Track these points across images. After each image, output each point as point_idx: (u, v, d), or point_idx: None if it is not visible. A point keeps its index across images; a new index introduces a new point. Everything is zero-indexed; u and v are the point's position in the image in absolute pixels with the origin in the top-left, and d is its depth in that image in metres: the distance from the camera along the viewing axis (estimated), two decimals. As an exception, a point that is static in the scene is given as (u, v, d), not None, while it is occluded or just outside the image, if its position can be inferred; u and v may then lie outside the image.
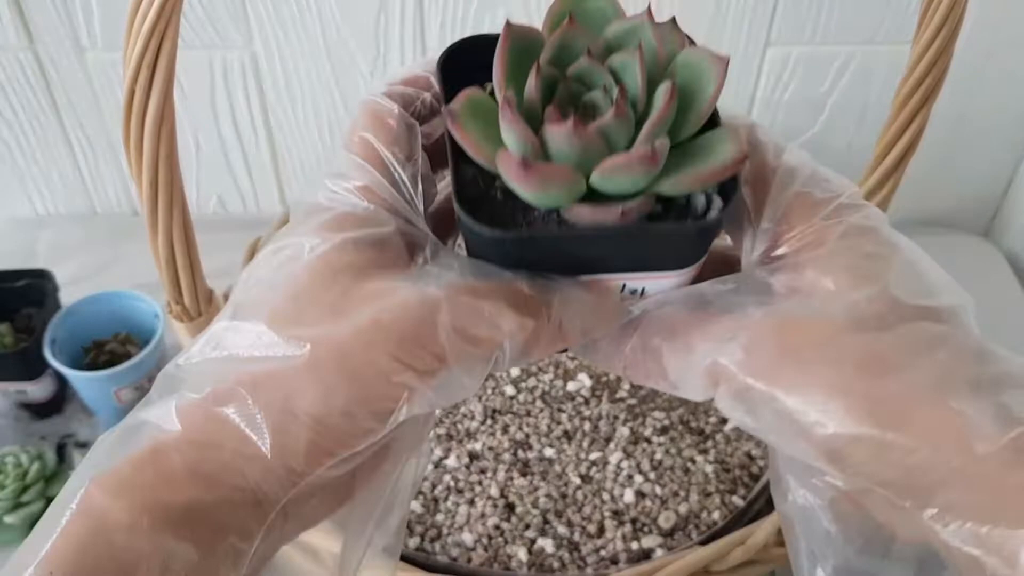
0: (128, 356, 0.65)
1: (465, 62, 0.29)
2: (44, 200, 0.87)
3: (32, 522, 0.60)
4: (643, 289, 0.29)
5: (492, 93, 0.28)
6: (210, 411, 0.25)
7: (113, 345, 0.67)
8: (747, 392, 0.26)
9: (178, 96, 0.39)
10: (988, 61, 0.75)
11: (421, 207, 0.28)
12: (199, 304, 0.46)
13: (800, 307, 0.26)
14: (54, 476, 0.62)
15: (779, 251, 0.27)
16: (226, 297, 0.57)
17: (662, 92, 0.26)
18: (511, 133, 0.26)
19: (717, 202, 0.27)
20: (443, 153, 0.28)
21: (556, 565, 0.51)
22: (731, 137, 0.27)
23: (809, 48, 0.75)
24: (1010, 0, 0.72)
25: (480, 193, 0.28)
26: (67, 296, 0.70)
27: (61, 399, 0.69)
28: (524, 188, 0.25)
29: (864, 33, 0.73)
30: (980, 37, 0.73)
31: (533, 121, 0.27)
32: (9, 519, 0.59)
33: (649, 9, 0.27)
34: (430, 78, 0.29)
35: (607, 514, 0.53)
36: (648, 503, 0.53)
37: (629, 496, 0.53)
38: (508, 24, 0.27)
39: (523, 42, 0.27)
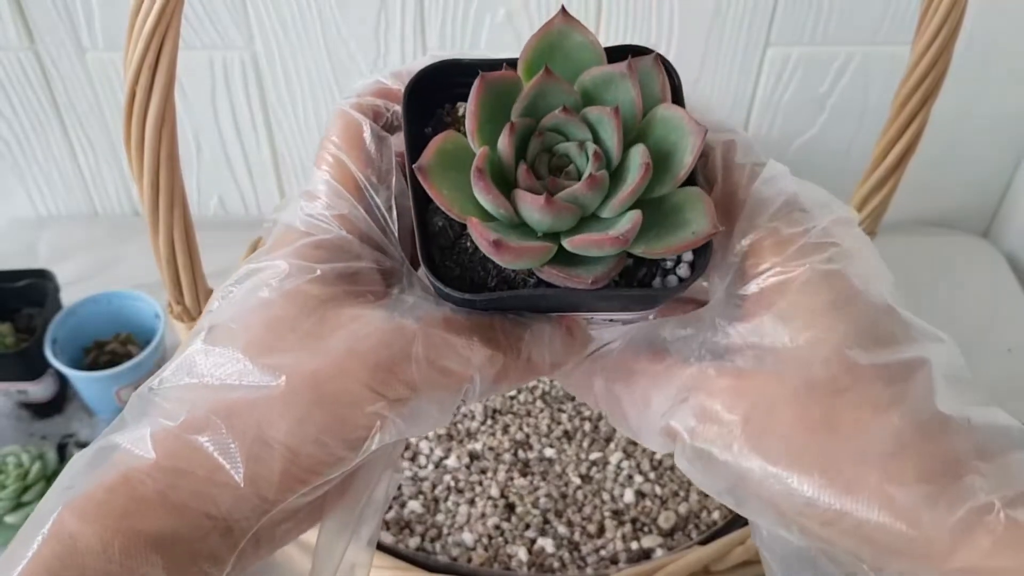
0: (129, 356, 0.65)
1: (434, 83, 0.29)
2: (45, 200, 0.87)
3: (33, 522, 0.60)
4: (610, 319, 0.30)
5: (462, 120, 0.28)
6: (184, 439, 0.25)
7: (114, 345, 0.67)
8: (700, 456, 0.26)
9: (179, 96, 0.40)
10: (987, 62, 0.75)
11: (396, 232, 0.29)
12: (200, 304, 0.46)
13: (754, 365, 0.26)
14: (55, 476, 0.62)
15: (741, 290, 0.27)
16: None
17: (637, 160, 0.26)
18: (484, 201, 0.26)
19: (688, 256, 0.27)
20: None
21: (556, 565, 0.51)
22: (704, 206, 0.26)
23: (809, 49, 0.75)
24: (1009, 1, 0.72)
25: (450, 242, 0.28)
26: (68, 296, 0.70)
27: (62, 399, 0.69)
28: (498, 260, 0.26)
29: (864, 34, 0.73)
30: (980, 38, 0.73)
31: (507, 175, 0.27)
32: (10, 519, 0.59)
33: (631, 61, 0.26)
34: (400, 91, 0.29)
35: (607, 514, 0.53)
36: (648, 503, 0.53)
37: (629, 496, 0.54)
38: (483, 76, 0.27)
39: (497, 91, 0.27)
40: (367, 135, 0.29)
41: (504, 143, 0.26)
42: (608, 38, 0.75)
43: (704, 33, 0.74)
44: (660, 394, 0.27)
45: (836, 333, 0.25)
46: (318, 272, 0.27)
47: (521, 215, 0.26)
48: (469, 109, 0.27)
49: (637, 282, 0.27)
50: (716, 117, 0.29)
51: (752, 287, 0.27)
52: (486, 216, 0.26)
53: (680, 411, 0.26)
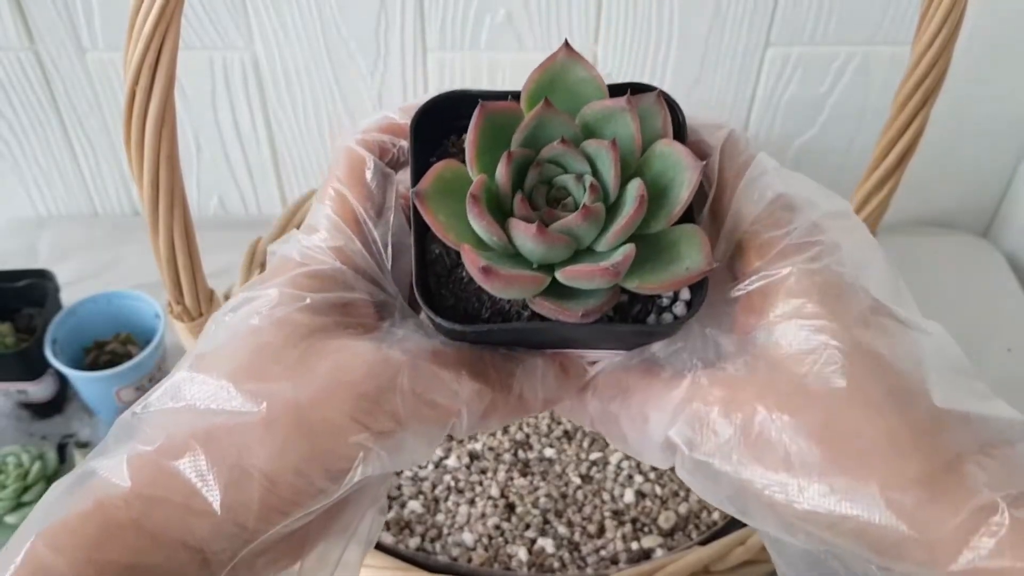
0: (129, 356, 0.65)
1: (441, 115, 0.29)
2: (45, 200, 0.87)
3: (33, 522, 0.60)
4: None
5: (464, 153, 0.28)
6: (161, 464, 0.24)
7: (114, 345, 0.67)
8: (700, 468, 0.26)
9: (179, 97, 0.40)
10: (988, 62, 0.75)
11: (389, 265, 0.29)
12: (200, 304, 0.46)
13: (747, 372, 0.26)
14: (55, 476, 0.62)
15: (727, 296, 0.27)
16: (226, 297, 0.57)
17: (633, 194, 0.26)
18: (478, 227, 0.26)
19: (684, 295, 0.27)
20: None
21: (556, 565, 0.51)
22: (700, 243, 0.26)
23: (809, 48, 0.75)
24: (1009, 1, 0.72)
25: (446, 271, 0.28)
26: (68, 296, 0.70)
27: (62, 399, 0.69)
28: (487, 288, 0.26)
29: (864, 34, 0.73)
30: (980, 38, 0.73)
31: (504, 204, 0.27)
32: (10, 519, 0.59)
33: (629, 96, 0.26)
34: (407, 126, 0.29)
35: (607, 514, 0.53)
36: (648, 503, 0.53)
37: (629, 496, 0.54)
38: (483, 105, 0.27)
39: (497, 121, 0.27)
40: (369, 171, 0.29)
41: (501, 172, 0.26)
42: (608, 38, 0.75)
43: (704, 33, 0.74)
44: (657, 409, 0.27)
45: (824, 335, 0.25)
46: (308, 301, 0.27)
47: (515, 244, 0.26)
48: (468, 138, 0.27)
49: (631, 319, 0.27)
50: (713, 115, 0.29)
51: (737, 293, 0.27)
52: (480, 244, 0.26)
53: (677, 424, 0.26)
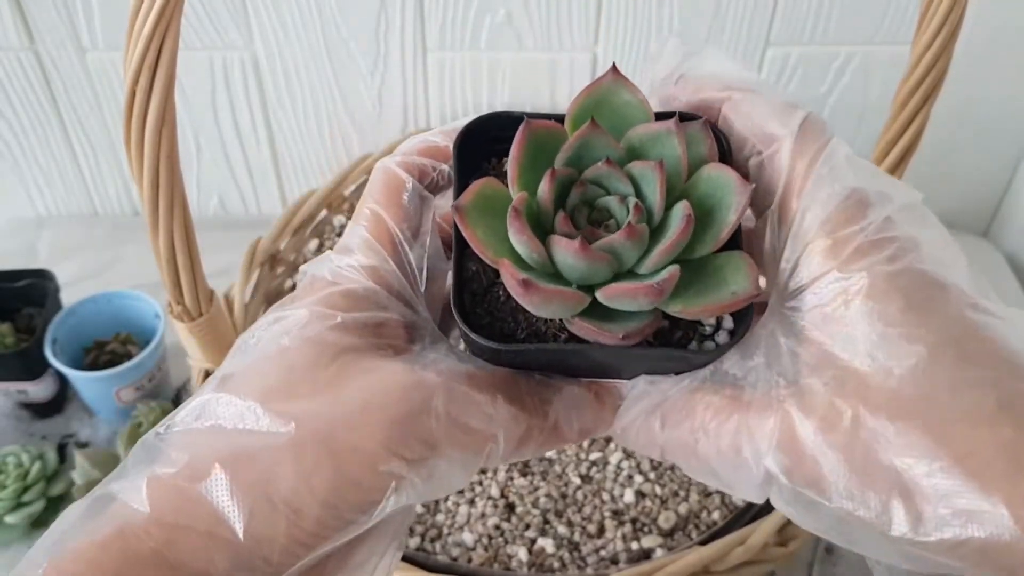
0: (129, 356, 0.65)
1: (483, 136, 0.29)
2: (45, 200, 0.87)
3: (33, 522, 0.60)
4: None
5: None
6: (184, 489, 0.23)
7: (114, 345, 0.67)
8: (799, 499, 0.24)
9: (179, 97, 0.40)
10: (988, 62, 0.75)
11: (423, 288, 0.28)
12: (200, 304, 0.46)
13: (838, 389, 0.24)
14: (55, 476, 0.62)
15: (797, 303, 0.25)
16: (227, 298, 0.57)
17: (679, 214, 0.25)
18: (518, 242, 0.25)
19: (727, 323, 0.26)
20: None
21: (556, 565, 0.51)
22: (747, 268, 0.25)
23: (809, 48, 0.75)
24: (1009, 1, 0.72)
25: (482, 289, 0.27)
26: (68, 296, 0.70)
27: (62, 399, 0.69)
28: (525, 304, 0.25)
29: (864, 33, 0.73)
30: (980, 37, 0.73)
31: (545, 223, 0.26)
32: (10, 519, 0.59)
33: (678, 117, 0.26)
34: (449, 148, 0.29)
35: (607, 514, 0.53)
36: (648, 503, 0.53)
37: (629, 496, 0.54)
38: (527, 122, 0.26)
39: (541, 140, 0.27)
40: (407, 193, 0.28)
41: (544, 189, 0.26)
42: (608, 38, 0.75)
43: (704, 33, 0.74)
44: (749, 438, 0.25)
45: (919, 343, 0.23)
46: (339, 319, 0.26)
47: (555, 262, 0.26)
48: (512, 154, 0.26)
49: (673, 345, 0.26)
50: (788, 94, 0.27)
51: (810, 299, 0.25)
52: (519, 261, 0.26)
53: (773, 452, 0.24)
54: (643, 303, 0.25)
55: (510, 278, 0.24)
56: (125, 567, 0.22)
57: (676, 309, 0.25)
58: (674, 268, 0.25)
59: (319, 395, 0.24)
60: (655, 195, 0.26)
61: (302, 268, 0.29)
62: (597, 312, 0.26)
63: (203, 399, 0.25)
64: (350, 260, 0.27)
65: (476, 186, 0.26)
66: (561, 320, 0.26)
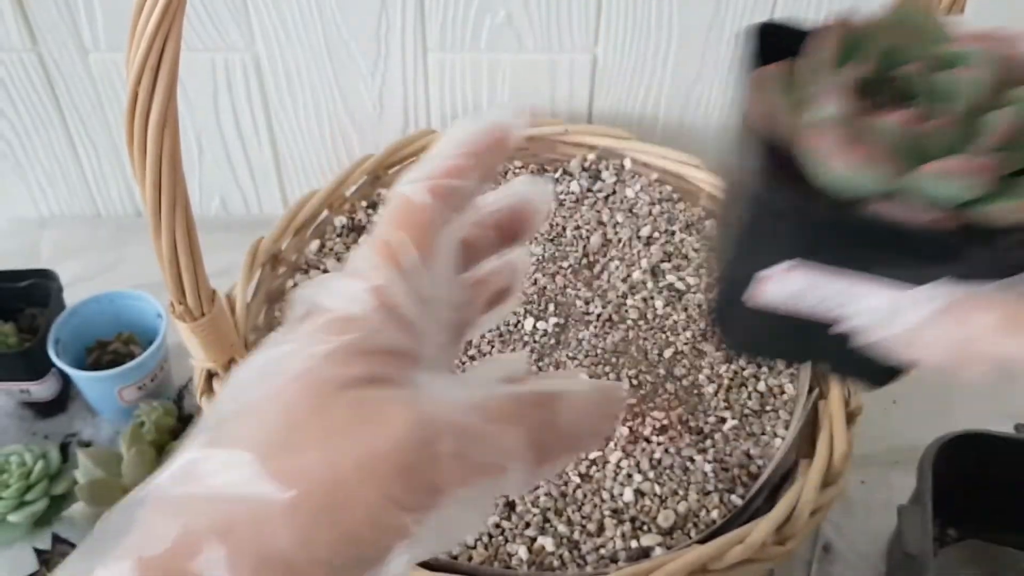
0: (131, 356, 0.66)
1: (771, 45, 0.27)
2: (48, 200, 0.87)
3: (35, 521, 0.60)
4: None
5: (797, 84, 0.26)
6: (175, 569, 0.21)
7: (116, 345, 0.68)
8: None
9: (181, 98, 0.40)
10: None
11: (432, 316, 0.26)
12: (202, 304, 0.47)
13: None
14: (58, 475, 0.62)
15: None
16: (229, 298, 0.57)
17: (1008, 112, 0.24)
18: (831, 107, 0.23)
19: None
20: (475, 247, 0.27)
21: (556, 563, 0.51)
22: None
23: (808, 49, 0.75)
24: (1008, 3, 0.72)
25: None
26: (71, 296, 0.70)
27: (65, 398, 0.69)
28: (843, 162, 0.23)
29: (863, 34, 0.74)
30: (979, 38, 0.73)
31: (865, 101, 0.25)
32: (13, 518, 0.59)
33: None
34: (468, 167, 0.26)
35: (607, 513, 0.53)
36: (647, 502, 0.54)
37: (628, 495, 0.54)
38: (836, 21, 0.25)
39: (852, 34, 0.25)
40: (425, 215, 0.26)
41: (850, 75, 0.24)
42: (608, 39, 0.75)
43: (704, 32, 0.74)
44: None
45: None
46: (335, 350, 0.24)
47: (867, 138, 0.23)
48: (822, 39, 0.25)
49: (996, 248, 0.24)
50: None
51: None
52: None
53: None
54: (971, 183, 0.22)
55: (828, 134, 0.22)
56: None
57: (999, 209, 0.23)
58: (1002, 155, 0.22)
59: (319, 446, 0.22)
60: (979, 93, 0.24)
61: (296, 293, 0.26)
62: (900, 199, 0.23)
63: (193, 456, 0.23)
64: (355, 283, 0.25)
65: (777, 65, 0.25)
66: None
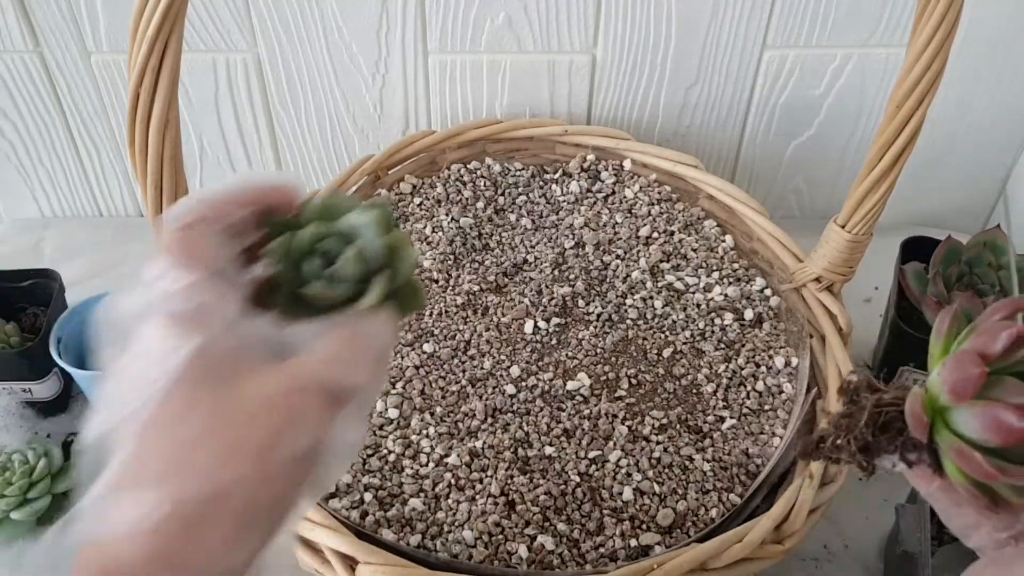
0: (133, 355, 0.66)
1: None
2: (50, 201, 0.87)
3: (38, 518, 0.61)
4: None
5: None
6: None
7: (118, 345, 0.68)
8: None
9: (182, 98, 0.40)
10: (983, 62, 0.76)
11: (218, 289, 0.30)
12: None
13: None
14: (60, 473, 0.63)
15: None
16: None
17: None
18: None
19: None
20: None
21: (556, 562, 0.51)
22: None
23: (805, 51, 0.75)
24: (1007, 3, 0.72)
25: None
26: (73, 296, 0.70)
27: (67, 398, 0.70)
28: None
29: (860, 36, 0.74)
30: (976, 39, 0.73)
31: None
32: (16, 515, 0.59)
33: None
34: (241, 199, 0.32)
35: (606, 511, 0.53)
36: (647, 501, 0.54)
37: (628, 494, 0.54)
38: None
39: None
40: (209, 237, 0.31)
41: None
42: (607, 41, 0.75)
43: (701, 36, 0.74)
44: None
45: None
46: (194, 348, 0.28)
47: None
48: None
49: None
50: None
51: None
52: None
53: None
54: None
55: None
56: None
57: None
58: None
59: (206, 453, 0.26)
60: None
61: (107, 310, 0.30)
62: None
63: (97, 502, 0.26)
64: (167, 285, 0.29)
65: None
66: None
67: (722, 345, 0.63)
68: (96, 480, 0.27)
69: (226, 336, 0.29)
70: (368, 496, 0.53)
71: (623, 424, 0.58)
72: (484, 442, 0.56)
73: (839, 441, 0.30)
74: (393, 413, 0.58)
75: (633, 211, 0.72)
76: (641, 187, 0.73)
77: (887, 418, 0.30)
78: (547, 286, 0.65)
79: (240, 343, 0.29)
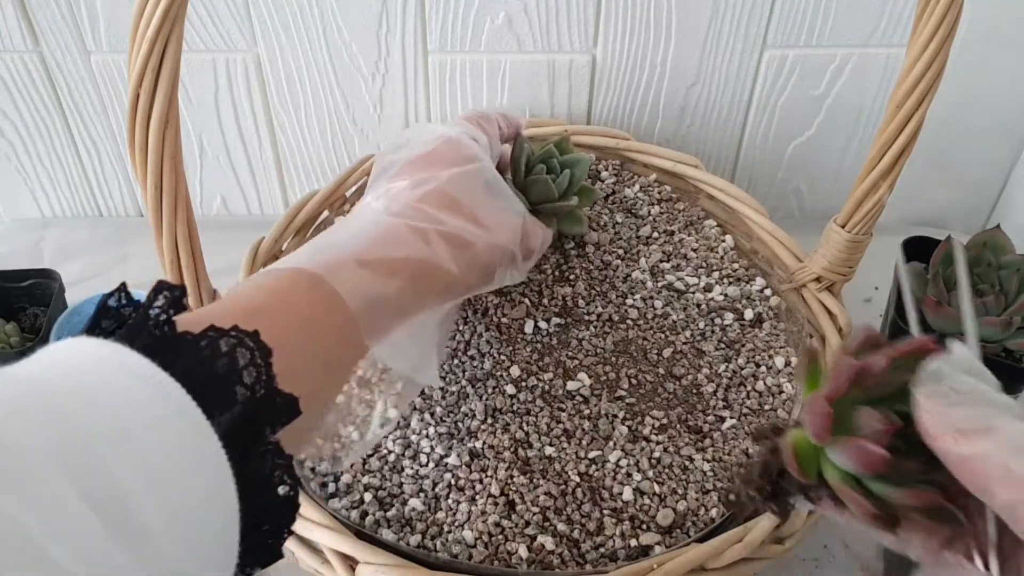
0: (132, 355, 0.66)
1: None
2: (50, 201, 0.87)
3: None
4: None
5: None
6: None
7: (118, 345, 0.68)
8: None
9: (182, 98, 0.40)
10: (984, 62, 0.76)
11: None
12: (203, 304, 0.47)
13: None
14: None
15: None
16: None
17: None
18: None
19: None
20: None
21: (556, 562, 0.51)
22: None
23: (805, 51, 0.75)
24: (1007, 3, 0.72)
25: None
26: (73, 296, 0.70)
27: (66, 398, 0.69)
28: None
29: (860, 35, 0.74)
30: (976, 38, 0.73)
31: None
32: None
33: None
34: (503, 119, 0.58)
35: (606, 512, 0.53)
36: (647, 501, 0.54)
37: (628, 494, 0.54)
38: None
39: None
40: (493, 121, 0.56)
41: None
42: (607, 40, 0.75)
43: (701, 36, 0.74)
44: None
45: None
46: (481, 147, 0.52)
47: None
48: None
49: None
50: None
51: None
52: None
53: None
54: None
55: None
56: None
57: None
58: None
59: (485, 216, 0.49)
60: None
61: (417, 128, 0.52)
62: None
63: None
64: (467, 134, 0.51)
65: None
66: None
67: (722, 345, 0.63)
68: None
69: (486, 166, 0.49)
70: (368, 496, 0.53)
71: (623, 424, 0.58)
72: (484, 442, 0.56)
73: (750, 493, 0.31)
74: (393, 413, 0.58)
75: (633, 211, 0.72)
76: (641, 187, 0.73)
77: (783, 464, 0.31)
78: (548, 286, 0.65)
79: (492, 175, 0.50)
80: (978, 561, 0.28)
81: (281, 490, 0.28)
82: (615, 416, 0.58)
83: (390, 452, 0.56)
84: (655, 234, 0.70)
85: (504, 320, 0.64)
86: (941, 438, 0.26)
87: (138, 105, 0.39)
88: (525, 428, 0.58)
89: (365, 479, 0.54)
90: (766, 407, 0.59)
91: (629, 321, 0.64)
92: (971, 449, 0.25)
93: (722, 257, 0.69)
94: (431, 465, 0.56)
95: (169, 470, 0.23)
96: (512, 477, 0.55)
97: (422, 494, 0.54)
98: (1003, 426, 0.25)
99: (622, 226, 0.70)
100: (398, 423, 0.58)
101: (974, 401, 0.26)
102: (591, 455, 0.56)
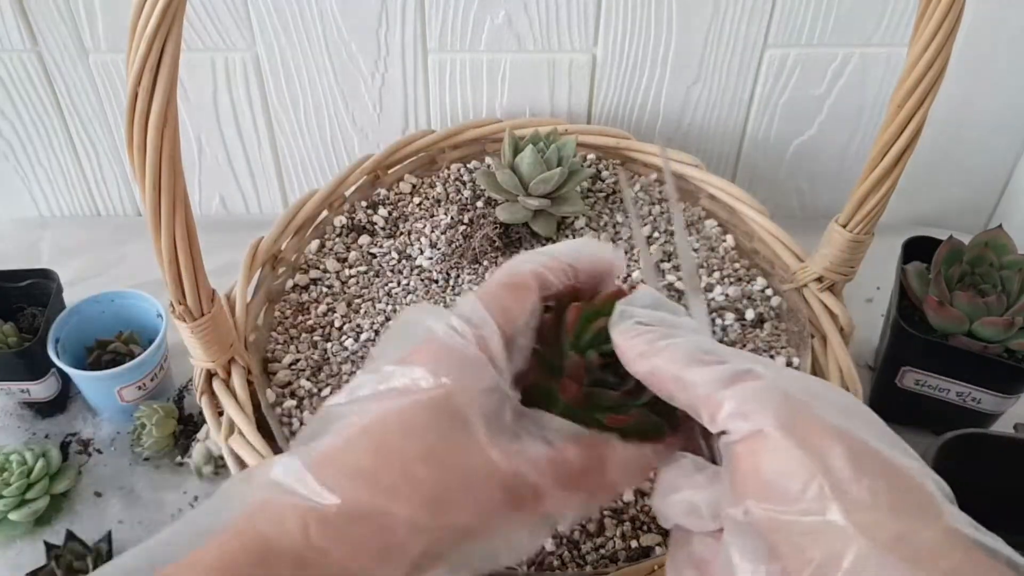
0: (131, 356, 0.66)
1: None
2: (48, 201, 0.87)
3: (37, 519, 0.60)
4: None
5: None
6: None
7: (116, 345, 0.68)
8: None
9: (181, 98, 0.40)
10: (985, 62, 0.75)
11: (510, 372, 0.33)
12: (201, 304, 0.47)
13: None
14: (58, 474, 0.62)
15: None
16: (228, 298, 0.57)
17: None
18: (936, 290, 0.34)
19: None
20: (542, 332, 0.34)
21: (556, 563, 0.51)
22: None
23: (806, 50, 0.75)
24: (1007, 3, 0.72)
25: None
26: (71, 296, 0.70)
27: (65, 398, 0.69)
28: (940, 317, 0.33)
29: (861, 35, 0.74)
30: (977, 38, 0.73)
31: None
32: (14, 516, 0.59)
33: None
34: (569, 268, 0.35)
35: (606, 513, 0.53)
36: (647, 501, 0.54)
37: (628, 494, 0.54)
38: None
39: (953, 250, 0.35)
40: (529, 292, 0.34)
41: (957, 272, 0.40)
42: (607, 39, 0.75)
43: (703, 35, 0.74)
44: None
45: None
46: (453, 384, 0.31)
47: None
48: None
49: None
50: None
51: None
52: None
53: None
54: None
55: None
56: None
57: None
58: None
59: (427, 468, 0.29)
60: None
61: (408, 315, 0.34)
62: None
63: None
64: (466, 326, 0.32)
65: None
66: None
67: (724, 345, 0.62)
68: (307, 437, 0.31)
69: (487, 394, 0.31)
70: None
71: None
72: (484, 443, 0.56)
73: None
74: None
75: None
76: (642, 187, 0.73)
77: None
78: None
79: (495, 407, 0.31)
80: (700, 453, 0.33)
81: None
82: (615, 416, 0.58)
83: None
84: (655, 234, 0.70)
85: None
86: (631, 363, 0.31)
87: (136, 104, 0.38)
88: (525, 429, 0.57)
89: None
90: (767, 407, 0.59)
91: (629, 321, 0.63)
92: (649, 365, 0.31)
93: (723, 257, 0.68)
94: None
95: None
96: (512, 478, 0.55)
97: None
98: (675, 343, 0.31)
99: (623, 226, 0.70)
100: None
101: (654, 329, 0.31)
102: (591, 456, 0.56)
